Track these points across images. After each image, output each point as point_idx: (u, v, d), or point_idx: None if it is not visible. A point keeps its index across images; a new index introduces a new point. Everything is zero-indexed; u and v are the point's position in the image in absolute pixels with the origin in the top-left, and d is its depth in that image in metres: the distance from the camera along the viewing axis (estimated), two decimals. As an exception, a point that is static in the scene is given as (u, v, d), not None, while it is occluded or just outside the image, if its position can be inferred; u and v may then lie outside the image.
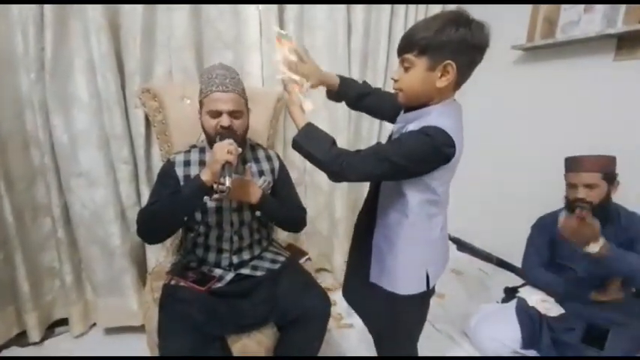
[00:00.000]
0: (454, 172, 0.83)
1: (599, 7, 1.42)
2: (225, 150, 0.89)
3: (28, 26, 1.16)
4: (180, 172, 1.07)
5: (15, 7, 1.17)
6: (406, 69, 0.76)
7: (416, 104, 0.80)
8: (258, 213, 1.11)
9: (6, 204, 1.25)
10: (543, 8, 1.68)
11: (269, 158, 1.20)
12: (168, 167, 1.08)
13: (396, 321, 0.93)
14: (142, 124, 1.36)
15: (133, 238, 1.45)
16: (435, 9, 1.94)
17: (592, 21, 1.46)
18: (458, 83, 0.77)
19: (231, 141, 0.93)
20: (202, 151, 1.12)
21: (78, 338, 1.47)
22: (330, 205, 1.90)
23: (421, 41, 0.72)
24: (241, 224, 1.11)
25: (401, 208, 0.82)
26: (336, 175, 0.79)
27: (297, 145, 0.82)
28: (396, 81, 0.80)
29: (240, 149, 0.96)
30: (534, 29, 1.72)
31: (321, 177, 1.75)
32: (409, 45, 0.74)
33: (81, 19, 1.23)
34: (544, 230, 1.39)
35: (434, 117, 0.75)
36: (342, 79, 0.98)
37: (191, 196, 0.95)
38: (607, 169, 1.19)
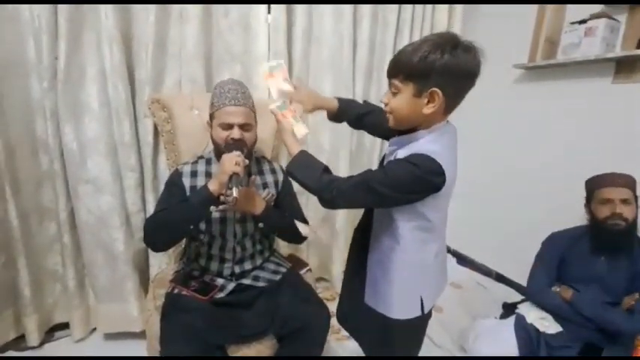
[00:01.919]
0: (449, 198, 0.81)
1: (599, 32, 1.46)
2: (233, 161, 0.92)
3: (42, 36, 1.20)
4: (187, 182, 1.09)
5: (29, 17, 1.20)
6: (394, 94, 0.75)
7: (405, 128, 0.79)
8: (261, 224, 1.12)
9: (11, 207, 1.27)
10: (545, 29, 1.72)
11: (273, 171, 1.22)
12: (176, 177, 1.10)
13: (392, 345, 0.91)
14: (151, 133, 1.39)
15: (137, 244, 1.47)
16: (442, 9, 1.94)
17: (592, 44, 1.49)
18: (447, 108, 0.74)
19: (238, 153, 0.96)
20: (209, 162, 1.14)
21: (78, 343, 1.48)
22: (330, 216, 1.92)
23: (405, 67, 0.71)
24: (244, 235, 1.13)
25: (392, 234, 0.81)
26: (328, 203, 0.79)
27: (290, 173, 0.84)
28: (386, 104, 0.79)
29: (247, 161, 0.98)
30: (536, 49, 1.75)
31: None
32: (395, 69, 0.73)
33: (94, 30, 1.26)
34: (555, 247, 1.34)
35: (422, 143, 0.74)
36: (341, 101, 0.98)
37: (198, 206, 0.97)
38: (635, 189, 1.18)
